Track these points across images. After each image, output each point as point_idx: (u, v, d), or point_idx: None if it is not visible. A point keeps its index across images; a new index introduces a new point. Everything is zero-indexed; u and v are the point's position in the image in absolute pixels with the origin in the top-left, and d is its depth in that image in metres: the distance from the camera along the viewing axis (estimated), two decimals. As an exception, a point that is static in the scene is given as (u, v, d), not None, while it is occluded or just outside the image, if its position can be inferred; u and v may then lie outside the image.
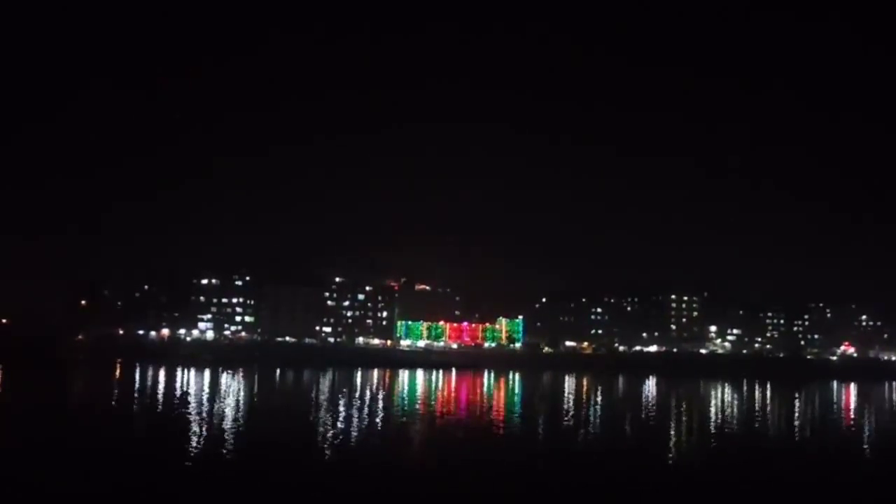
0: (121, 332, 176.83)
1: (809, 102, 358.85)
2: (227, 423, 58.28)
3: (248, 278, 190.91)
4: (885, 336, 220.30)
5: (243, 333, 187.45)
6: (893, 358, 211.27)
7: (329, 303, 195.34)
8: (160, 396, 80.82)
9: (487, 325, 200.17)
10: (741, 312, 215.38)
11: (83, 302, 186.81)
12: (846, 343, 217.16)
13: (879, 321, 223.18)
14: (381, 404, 79.27)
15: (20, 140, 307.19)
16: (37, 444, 45.19)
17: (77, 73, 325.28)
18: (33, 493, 32.94)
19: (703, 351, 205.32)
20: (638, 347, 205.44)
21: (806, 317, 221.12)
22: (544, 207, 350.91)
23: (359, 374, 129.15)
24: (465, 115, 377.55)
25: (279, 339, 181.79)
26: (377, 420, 65.23)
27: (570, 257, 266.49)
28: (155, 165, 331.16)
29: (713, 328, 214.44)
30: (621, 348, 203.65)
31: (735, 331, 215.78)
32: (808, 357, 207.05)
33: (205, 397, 79.86)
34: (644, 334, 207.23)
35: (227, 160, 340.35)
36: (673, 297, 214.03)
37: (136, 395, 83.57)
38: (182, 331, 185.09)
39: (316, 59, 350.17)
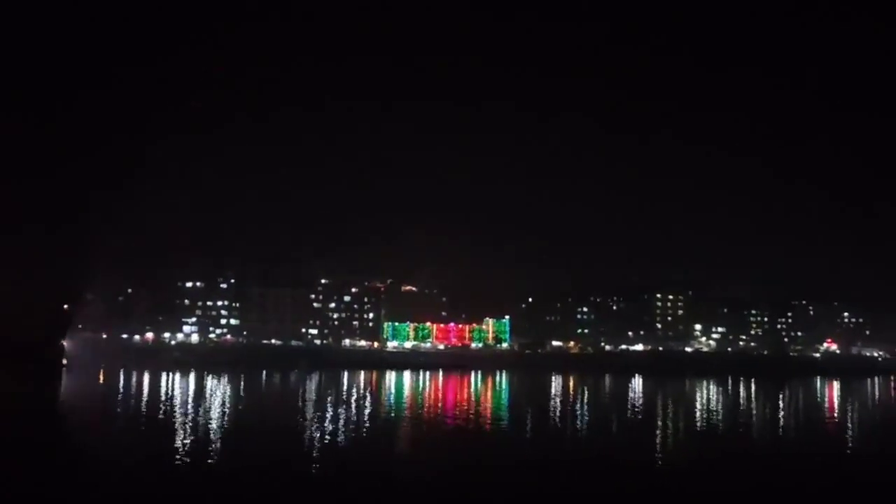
0: (104, 336, 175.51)
1: (798, 102, 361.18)
2: (213, 428, 57.98)
3: (232, 281, 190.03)
4: (868, 333, 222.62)
5: (228, 336, 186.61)
6: (875, 354, 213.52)
7: (315, 304, 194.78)
8: (144, 401, 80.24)
9: (474, 325, 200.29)
10: (726, 311, 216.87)
11: (66, 306, 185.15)
12: (829, 340, 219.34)
13: (861, 318, 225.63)
14: (368, 406, 79.14)
15: None
16: (16, 448, 44.76)
17: (47, 67, 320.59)
18: (12, 498, 32.63)
19: (688, 349, 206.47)
20: (624, 346, 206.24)
21: (790, 314, 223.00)
22: (530, 208, 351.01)
23: (345, 376, 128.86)
24: (446, 111, 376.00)
25: (265, 341, 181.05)
26: (364, 422, 65.11)
27: (556, 257, 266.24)
28: (134, 166, 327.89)
29: (698, 326, 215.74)
30: (608, 348, 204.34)
31: (720, 329, 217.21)
32: (792, 354, 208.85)
33: (190, 402, 79.43)
34: (630, 333, 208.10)
35: (211, 161, 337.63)
36: (658, 296, 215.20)
37: (119, 399, 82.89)
38: (167, 334, 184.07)
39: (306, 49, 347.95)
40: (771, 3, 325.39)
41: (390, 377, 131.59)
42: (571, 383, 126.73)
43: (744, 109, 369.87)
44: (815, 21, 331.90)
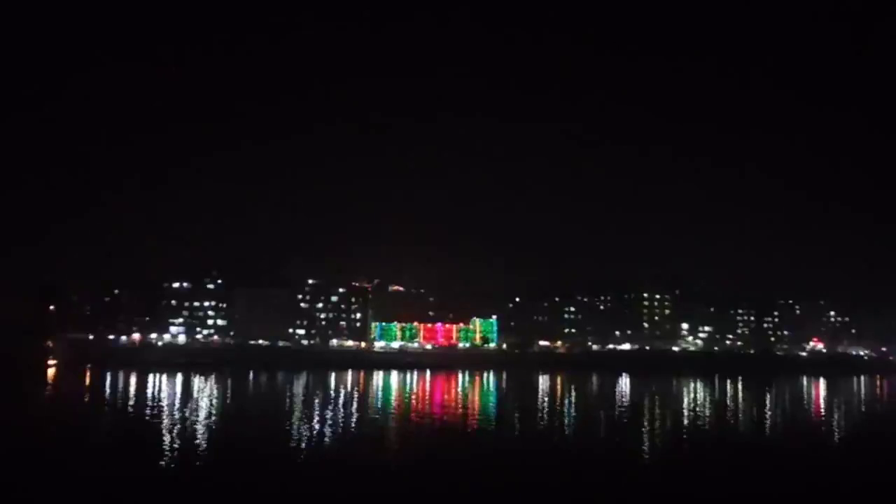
0: (91, 337, 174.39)
1: (784, 99, 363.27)
2: (200, 429, 57.67)
3: (219, 281, 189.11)
4: (853, 331, 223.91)
5: (216, 337, 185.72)
6: (861, 353, 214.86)
7: (302, 305, 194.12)
8: (131, 403, 79.75)
9: (461, 325, 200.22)
10: (712, 310, 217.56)
11: (51, 307, 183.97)
12: (815, 338, 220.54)
13: (847, 317, 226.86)
14: (355, 407, 78.97)
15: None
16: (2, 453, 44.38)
17: (33, 68, 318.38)
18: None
19: (675, 348, 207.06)
20: (611, 346, 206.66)
21: (776, 313, 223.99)
22: (517, 207, 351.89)
23: (333, 376, 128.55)
24: (435, 110, 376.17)
25: (252, 342, 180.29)
26: (352, 423, 64.96)
27: (542, 257, 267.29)
28: (121, 166, 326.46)
29: (685, 326, 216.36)
30: (594, 347, 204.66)
31: (706, 328, 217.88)
32: (779, 353, 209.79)
33: (177, 403, 79.02)
34: (617, 333, 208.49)
35: (197, 161, 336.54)
36: (645, 295, 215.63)
37: (106, 402, 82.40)
38: (153, 335, 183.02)
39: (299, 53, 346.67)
40: (763, 12, 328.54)
41: (378, 377, 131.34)
42: (559, 383, 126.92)
43: (734, 116, 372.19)
44: (805, 28, 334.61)
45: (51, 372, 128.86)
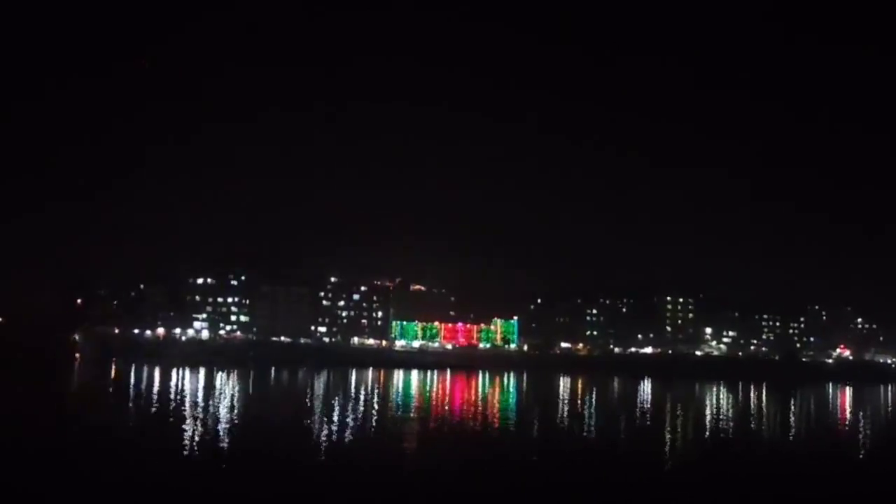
0: (116, 331, 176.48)
1: (802, 105, 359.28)
2: (222, 424, 58.10)
3: (243, 278, 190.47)
4: (881, 339, 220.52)
5: (238, 333, 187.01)
6: (889, 360, 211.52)
7: (324, 303, 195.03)
8: (155, 396, 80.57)
9: (482, 325, 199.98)
10: (737, 314, 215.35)
11: (78, 301, 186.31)
12: (842, 345, 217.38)
13: (875, 324, 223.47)
14: (376, 405, 79.19)
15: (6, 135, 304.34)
16: (27, 443, 44.91)
17: (66, 57, 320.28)
18: (23, 494, 32.74)
19: (698, 353, 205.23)
20: (633, 349, 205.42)
21: (802, 319, 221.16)
22: (540, 208, 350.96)
23: (353, 374, 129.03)
24: (456, 111, 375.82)
25: (274, 338, 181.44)
26: (372, 421, 65.15)
27: (565, 258, 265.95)
28: (144, 162, 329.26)
29: (708, 330, 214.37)
30: (616, 350, 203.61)
31: (730, 333, 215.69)
32: (804, 359, 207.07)
33: (199, 398, 79.71)
34: (639, 336, 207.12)
35: (223, 160, 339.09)
36: (668, 298, 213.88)
37: (130, 395, 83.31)
38: (177, 330, 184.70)
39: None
40: (756, 27, 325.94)
41: (398, 376, 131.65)
42: (580, 385, 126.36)
43: (758, 123, 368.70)
44: (806, 44, 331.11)
45: (76, 365, 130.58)
